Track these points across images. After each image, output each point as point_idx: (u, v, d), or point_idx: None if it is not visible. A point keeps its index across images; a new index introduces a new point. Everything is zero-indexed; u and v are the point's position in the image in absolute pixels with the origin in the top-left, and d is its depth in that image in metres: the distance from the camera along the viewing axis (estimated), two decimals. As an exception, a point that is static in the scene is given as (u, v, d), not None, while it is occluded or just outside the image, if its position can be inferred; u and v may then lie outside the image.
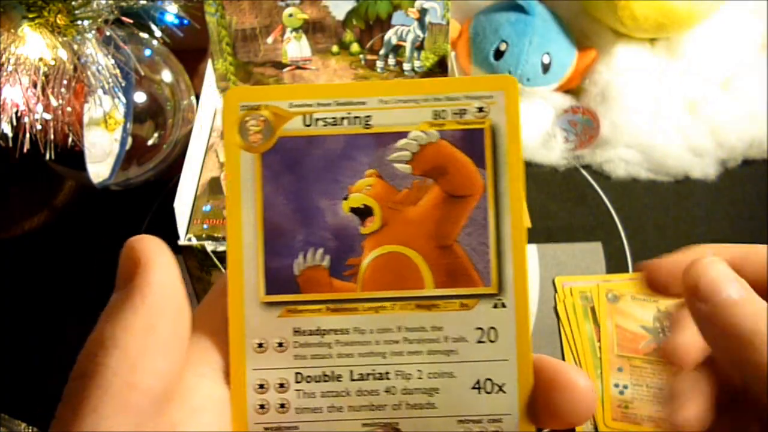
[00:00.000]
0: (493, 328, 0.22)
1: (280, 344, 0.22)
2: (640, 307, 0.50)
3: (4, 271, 0.55)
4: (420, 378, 0.22)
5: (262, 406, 0.22)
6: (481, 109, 0.22)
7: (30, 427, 0.44)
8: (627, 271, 0.54)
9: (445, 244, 0.22)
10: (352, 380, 0.22)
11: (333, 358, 0.22)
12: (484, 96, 0.23)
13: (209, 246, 0.43)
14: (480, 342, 0.22)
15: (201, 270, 0.44)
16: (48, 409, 0.49)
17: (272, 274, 0.22)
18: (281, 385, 0.22)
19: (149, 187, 0.57)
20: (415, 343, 0.22)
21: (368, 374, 0.22)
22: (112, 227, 0.57)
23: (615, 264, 0.55)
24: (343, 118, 0.22)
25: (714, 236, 0.57)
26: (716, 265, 0.23)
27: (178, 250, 0.43)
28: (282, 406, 0.22)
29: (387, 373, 0.22)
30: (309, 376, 0.22)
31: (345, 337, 0.22)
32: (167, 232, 0.42)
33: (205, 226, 0.44)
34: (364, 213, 0.22)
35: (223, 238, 0.43)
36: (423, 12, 0.53)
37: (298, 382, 0.22)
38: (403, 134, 0.23)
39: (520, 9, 0.61)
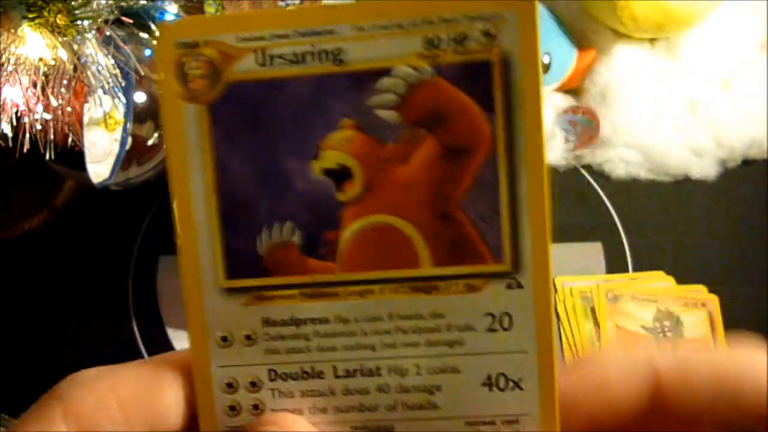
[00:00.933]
0: (506, 313, 0.18)
1: (248, 337, 0.18)
2: (640, 307, 0.50)
3: (4, 271, 0.55)
4: (418, 374, 0.18)
5: (232, 408, 0.19)
6: (487, 33, 0.17)
7: (30, 427, 0.44)
8: (627, 271, 0.54)
9: (445, 211, 0.18)
10: (337, 377, 0.18)
11: (312, 352, 0.18)
12: (492, 16, 0.17)
13: (209, 246, 0.43)
14: (491, 330, 0.18)
15: (201, 270, 0.44)
16: (48, 409, 0.48)
17: (233, 255, 0.18)
18: (253, 384, 0.18)
19: (149, 187, 0.57)
20: (410, 333, 0.18)
21: (355, 370, 0.18)
22: (112, 227, 0.57)
23: (615, 264, 0.55)
24: (307, 53, 0.17)
25: (714, 236, 0.57)
26: None
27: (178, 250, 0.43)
28: (255, 407, 0.19)
29: (378, 368, 0.18)
30: (285, 373, 0.18)
31: (325, 328, 0.18)
32: (167, 232, 0.42)
33: (205, 226, 0.44)
34: (340, 175, 0.18)
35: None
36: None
37: (272, 380, 0.18)
38: (386, 71, 0.17)
39: (520, 9, 0.61)
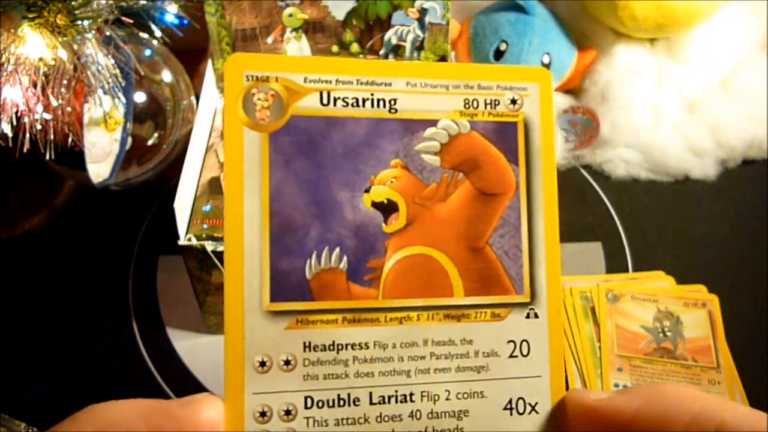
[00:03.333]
0: (525, 340, 0.20)
1: (287, 362, 0.19)
2: (640, 307, 0.50)
3: (4, 271, 0.55)
4: (448, 399, 0.19)
5: None
6: (514, 101, 0.21)
7: (30, 427, 0.44)
8: (627, 271, 0.54)
9: (477, 246, 0.20)
10: (372, 404, 0.19)
11: (350, 377, 0.19)
12: (518, 87, 0.21)
13: (209, 246, 0.43)
14: (512, 356, 0.20)
15: (201, 270, 0.44)
16: (48, 409, 0.49)
17: (280, 278, 0.19)
18: (287, 412, 0.19)
19: (149, 187, 0.57)
20: (443, 358, 0.19)
21: (390, 396, 0.19)
22: (112, 227, 0.57)
23: (615, 264, 0.55)
24: (365, 100, 0.20)
25: (714, 236, 0.57)
26: None
27: (178, 250, 0.43)
28: None
29: (411, 394, 0.19)
30: (321, 401, 0.19)
31: (364, 353, 0.19)
32: (167, 232, 0.42)
33: (205, 226, 0.44)
34: (387, 209, 0.20)
35: (223, 239, 0.43)
36: (423, 12, 0.53)
37: (308, 407, 0.19)
38: (431, 122, 0.20)
39: (520, 9, 0.61)
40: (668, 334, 0.49)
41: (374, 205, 0.20)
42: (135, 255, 0.55)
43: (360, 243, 0.20)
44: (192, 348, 0.49)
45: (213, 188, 0.47)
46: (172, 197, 0.41)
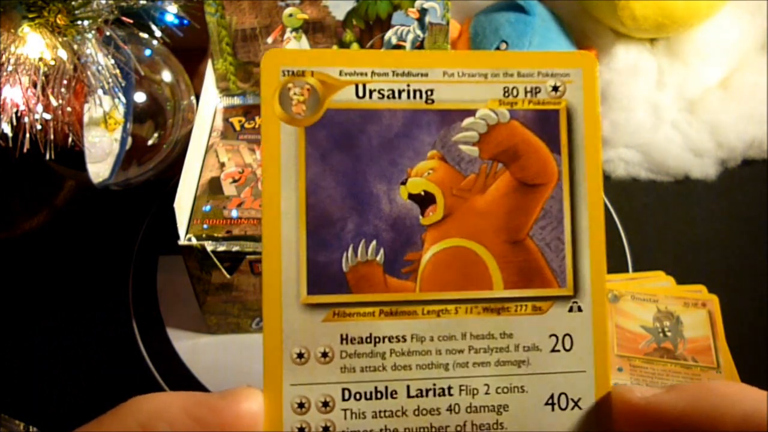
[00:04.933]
0: (568, 334, 0.19)
1: (325, 354, 0.19)
2: (640, 307, 0.50)
3: (4, 271, 0.55)
4: (487, 393, 0.19)
5: (301, 429, 0.18)
6: (556, 88, 0.20)
7: (30, 427, 0.44)
8: (627, 271, 0.54)
9: (517, 238, 0.20)
10: (409, 397, 0.19)
11: (387, 370, 0.19)
12: (560, 74, 0.20)
13: (209, 246, 0.43)
14: (554, 351, 0.19)
15: (201, 270, 0.44)
16: (48, 409, 0.49)
17: (317, 270, 0.19)
18: (325, 404, 0.19)
19: (149, 187, 0.57)
20: (482, 352, 0.19)
21: (428, 390, 0.19)
22: (112, 227, 0.57)
23: (615, 264, 0.55)
24: (401, 91, 0.19)
25: (714, 236, 0.57)
26: None
27: (178, 250, 0.43)
28: (326, 429, 0.19)
29: (450, 387, 0.19)
30: (358, 393, 0.19)
31: (402, 346, 0.19)
32: (167, 232, 0.42)
33: (205, 226, 0.44)
34: (425, 201, 0.20)
35: (223, 238, 0.43)
36: (423, 12, 0.53)
37: (345, 399, 0.19)
38: (469, 112, 0.20)
39: (520, 9, 0.61)
40: (668, 334, 0.49)
41: (411, 197, 0.20)
42: (135, 255, 0.55)
43: (397, 235, 0.19)
44: (192, 348, 0.49)
45: (213, 188, 0.47)
46: (172, 197, 0.41)
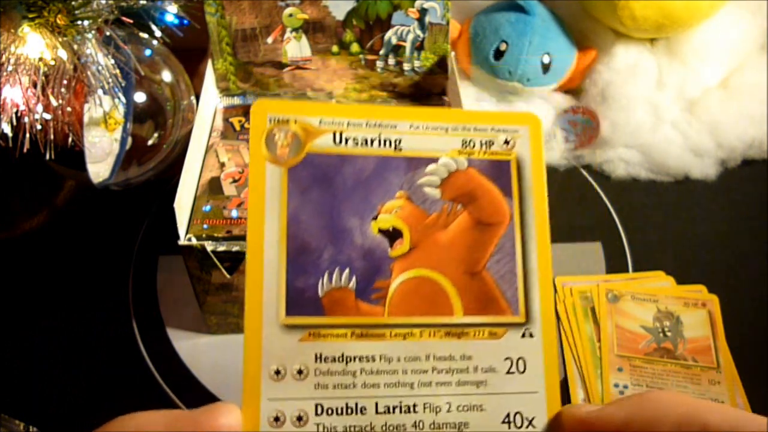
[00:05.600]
0: (521, 358, 0.22)
1: (300, 371, 0.20)
2: (640, 307, 0.50)
3: (4, 271, 0.55)
4: (449, 411, 0.21)
5: None
6: (507, 142, 0.23)
7: (30, 427, 0.44)
8: (627, 271, 0.54)
9: (474, 270, 0.22)
10: (377, 413, 0.20)
11: (357, 388, 0.20)
12: (510, 129, 0.23)
13: (209, 246, 0.43)
14: (509, 373, 0.22)
15: (201, 270, 0.44)
16: (48, 409, 0.49)
17: (295, 294, 0.21)
18: (299, 418, 0.20)
19: (149, 187, 0.57)
20: (444, 372, 0.21)
21: (395, 407, 0.21)
22: (112, 227, 0.57)
23: (615, 264, 0.55)
24: (374, 140, 0.22)
25: (714, 236, 0.57)
26: None
27: (178, 250, 0.43)
28: None
29: (415, 405, 0.21)
30: (330, 408, 0.20)
31: (371, 365, 0.21)
32: (167, 232, 0.42)
33: (205, 226, 0.44)
34: (393, 235, 0.22)
35: (223, 238, 0.43)
36: (423, 12, 0.53)
37: (318, 414, 0.20)
38: (433, 160, 0.23)
39: (520, 9, 0.61)
40: (668, 334, 0.49)
41: (381, 231, 0.22)
42: (135, 255, 0.55)
43: (367, 265, 0.22)
44: (192, 348, 0.49)
45: (213, 188, 0.47)
46: (172, 197, 0.41)
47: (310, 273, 0.21)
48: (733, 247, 0.56)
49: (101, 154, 0.52)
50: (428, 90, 0.56)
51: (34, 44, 0.44)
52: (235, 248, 0.43)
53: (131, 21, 0.49)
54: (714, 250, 0.56)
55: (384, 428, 0.20)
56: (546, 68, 0.61)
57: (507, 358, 0.22)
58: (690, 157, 0.61)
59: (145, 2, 0.49)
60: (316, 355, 0.21)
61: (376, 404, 0.21)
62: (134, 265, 0.54)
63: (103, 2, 0.45)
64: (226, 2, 0.52)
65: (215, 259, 0.43)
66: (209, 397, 0.46)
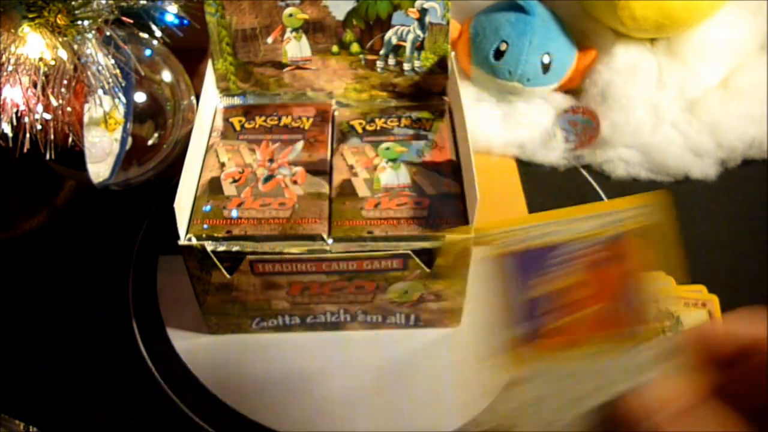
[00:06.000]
0: None
1: None
2: (640, 307, 0.50)
3: (4, 271, 0.55)
4: None
5: None
6: None
7: (30, 427, 0.44)
8: (627, 271, 0.54)
9: None
10: None
11: None
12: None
13: (209, 246, 0.43)
14: None
15: (201, 270, 0.44)
16: (48, 409, 0.49)
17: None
18: None
19: (149, 187, 0.57)
20: None
21: None
22: (112, 227, 0.57)
23: (615, 264, 0.55)
24: None
25: (714, 236, 0.57)
26: None
27: (178, 250, 0.43)
28: None
29: None
30: None
31: None
32: (167, 232, 0.42)
33: (205, 226, 0.44)
34: None
35: (223, 238, 0.43)
36: (423, 12, 0.53)
37: None
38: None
39: (520, 9, 0.61)
40: (668, 334, 0.49)
41: None
42: (135, 255, 0.55)
43: None
44: (192, 348, 0.49)
45: (213, 188, 0.47)
46: (172, 197, 0.41)
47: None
48: (733, 247, 0.56)
49: (101, 154, 0.52)
50: (428, 90, 0.56)
51: (34, 44, 0.44)
52: (235, 248, 0.43)
53: (131, 21, 0.49)
54: (714, 250, 0.56)
55: None
56: (546, 68, 0.61)
57: None
58: (690, 157, 0.61)
59: (145, 2, 0.49)
60: None
61: None
62: (134, 265, 0.54)
63: (103, 2, 0.45)
64: (226, 2, 0.52)
65: (215, 259, 0.43)
66: (209, 397, 0.46)
